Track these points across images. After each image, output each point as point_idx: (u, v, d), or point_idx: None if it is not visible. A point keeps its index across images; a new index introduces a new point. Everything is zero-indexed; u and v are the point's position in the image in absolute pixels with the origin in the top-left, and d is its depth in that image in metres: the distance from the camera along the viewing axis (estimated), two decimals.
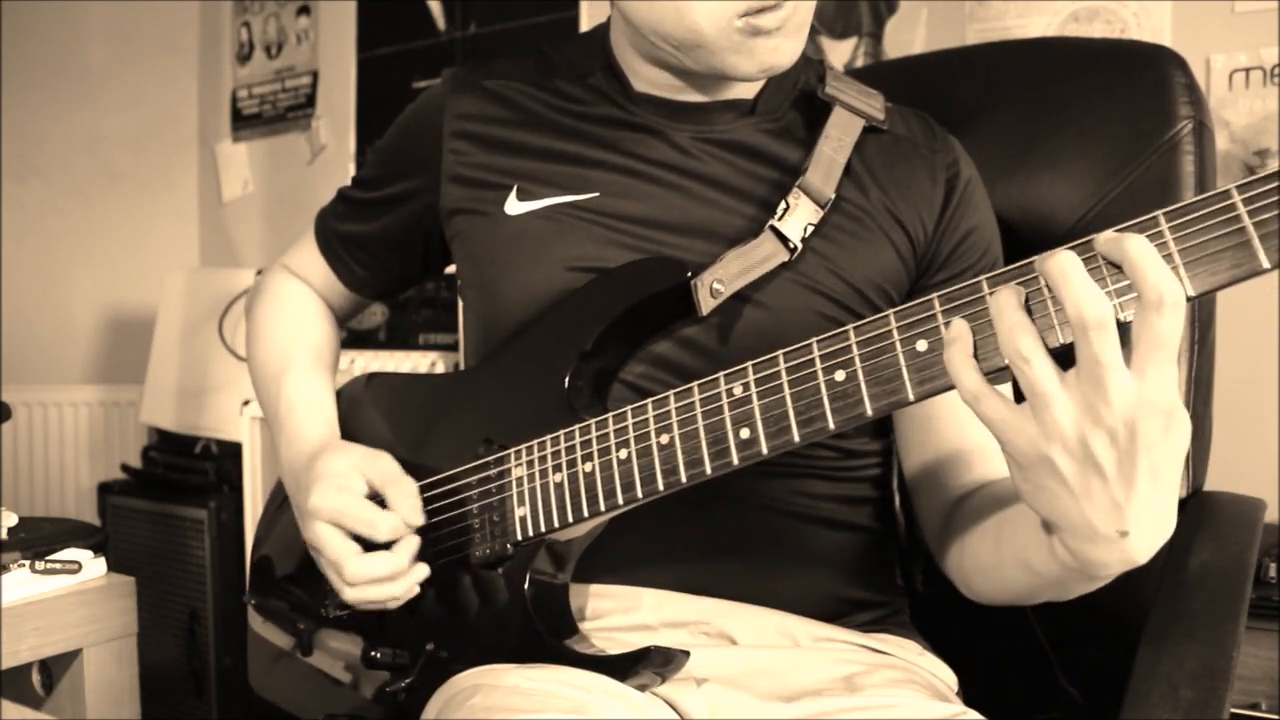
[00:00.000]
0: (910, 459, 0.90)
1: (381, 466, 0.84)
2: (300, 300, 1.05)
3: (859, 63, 2.08)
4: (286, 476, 0.93)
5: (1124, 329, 0.56)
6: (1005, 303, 0.58)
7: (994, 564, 0.76)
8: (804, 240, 0.82)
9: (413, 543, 0.82)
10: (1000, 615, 1.02)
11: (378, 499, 0.83)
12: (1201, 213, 0.56)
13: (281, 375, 0.98)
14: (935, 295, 0.63)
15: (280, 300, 1.05)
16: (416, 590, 0.83)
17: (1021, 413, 0.59)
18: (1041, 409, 0.57)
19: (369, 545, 0.82)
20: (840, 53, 2.11)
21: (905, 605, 0.95)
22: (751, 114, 0.89)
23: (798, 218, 0.82)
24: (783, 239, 0.81)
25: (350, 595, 0.83)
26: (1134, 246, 0.54)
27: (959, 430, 0.86)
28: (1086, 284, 0.55)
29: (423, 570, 0.82)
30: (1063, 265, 0.55)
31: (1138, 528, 0.59)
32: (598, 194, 0.87)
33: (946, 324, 0.62)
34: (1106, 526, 0.59)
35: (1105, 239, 0.56)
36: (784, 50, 0.80)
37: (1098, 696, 0.97)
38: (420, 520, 0.82)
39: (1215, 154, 1.02)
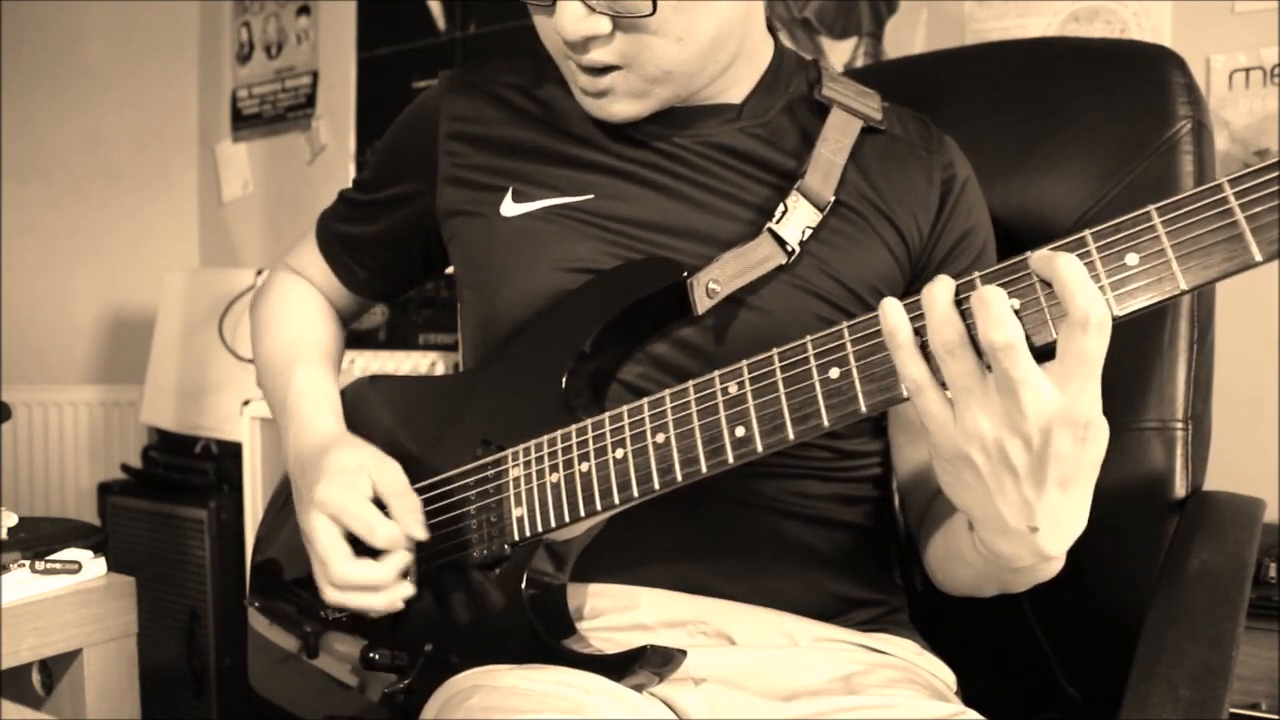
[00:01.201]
0: (900, 460, 0.91)
1: (390, 475, 0.84)
2: (306, 299, 1.06)
3: (859, 63, 2.08)
4: (292, 463, 0.92)
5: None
6: (938, 296, 0.60)
7: (945, 557, 0.81)
8: (801, 244, 0.82)
9: (403, 558, 0.82)
10: (1000, 615, 1.02)
11: (381, 505, 0.83)
12: (1194, 206, 0.56)
13: (291, 366, 0.98)
14: None
15: (287, 298, 1.06)
16: (399, 606, 0.83)
17: (948, 408, 0.61)
18: (963, 407, 0.60)
19: (361, 549, 0.82)
20: (840, 53, 2.10)
21: (904, 604, 0.95)
22: (738, 118, 0.89)
23: (796, 221, 0.82)
24: (780, 242, 0.82)
25: (330, 595, 0.83)
26: (1063, 266, 0.56)
27: None
28: (1001, 311, 0.57)
29: (407, 589, 0.82)
30: (984, 296, 0.58)
31: (1045, 525, 0.62)
32: (593, 196, 0.87)
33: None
34: (1016, 522, 0.63)
35: (1038, 257, 0.58)
36: (611, 109, 0.84)
37: (1098, 696, 0.97)
38: (422, 535, 0.82)
39: (1214, 154, 1.02)
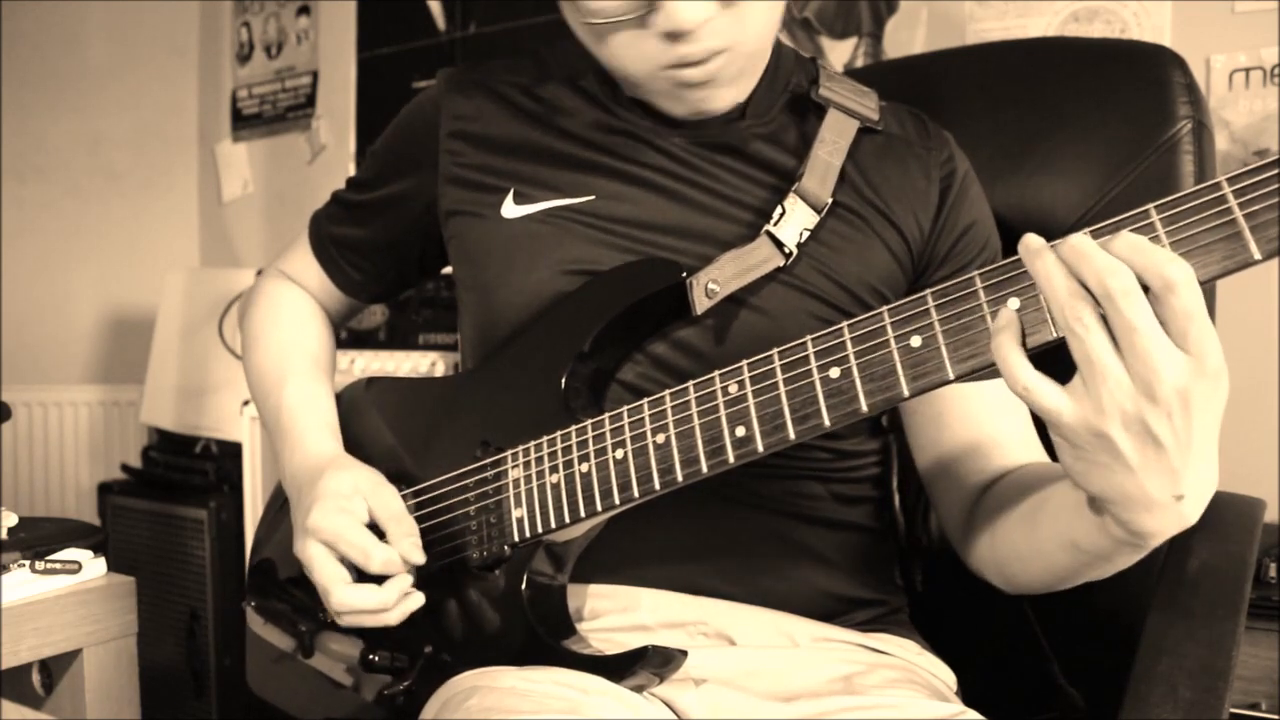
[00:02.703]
0: (924, 456, 0.90)
1: (386, 499, 0.84)
2: (296, 306, 1.05)
3: (859, 63, 2.08)
4: (289, 485, 0.92)
5: None
6: (1053, 271, 0.56)
7: (1031, 550, 0.75)
8: (799, 245, 0.82)
9: (404, 581, 0.81)
10: (1000, 615, 1.02)
11: (377, 527, 0.83)
12: (1192, 204, 0.56)
13: (280, 383, 0.97)
14: (929, 292, 0.63)
15: (276, 306, 1.05)
16: (409, 613, 0.82)
17: (1073, 394, 0.58)
18: (1098, 383, 0.56)
19: (362, 572, 0.82)
20: (840, 53, 2.10)
21: (904, 604, 0.95)
22: (741, 118, 0.88)
23: (793, 223, 0.82)
24: (778, 244, 0.81)
25: (340, 621, 0.83)
26: (1123, 246, 0.54)
27: (972, 424, 0.86)
28: (1105, 257, 0.55)
29: (416, 600, 0.82)
30: (1078, 245, 0.55)
31: (1191, 490, 0.59)
32: (594, 197, 0.87)
33: (940, 319, 0.62)
34: (1163, 494, 0.59)
35: (1081, 244, 0.56)
36: (715, 99, 0.82)
37: (1098, 696, 0.97)
38: (420, 560, 0.81)
39: (1215, 154, 1.01)
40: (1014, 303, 0.60)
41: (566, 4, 0.80)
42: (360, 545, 0.81)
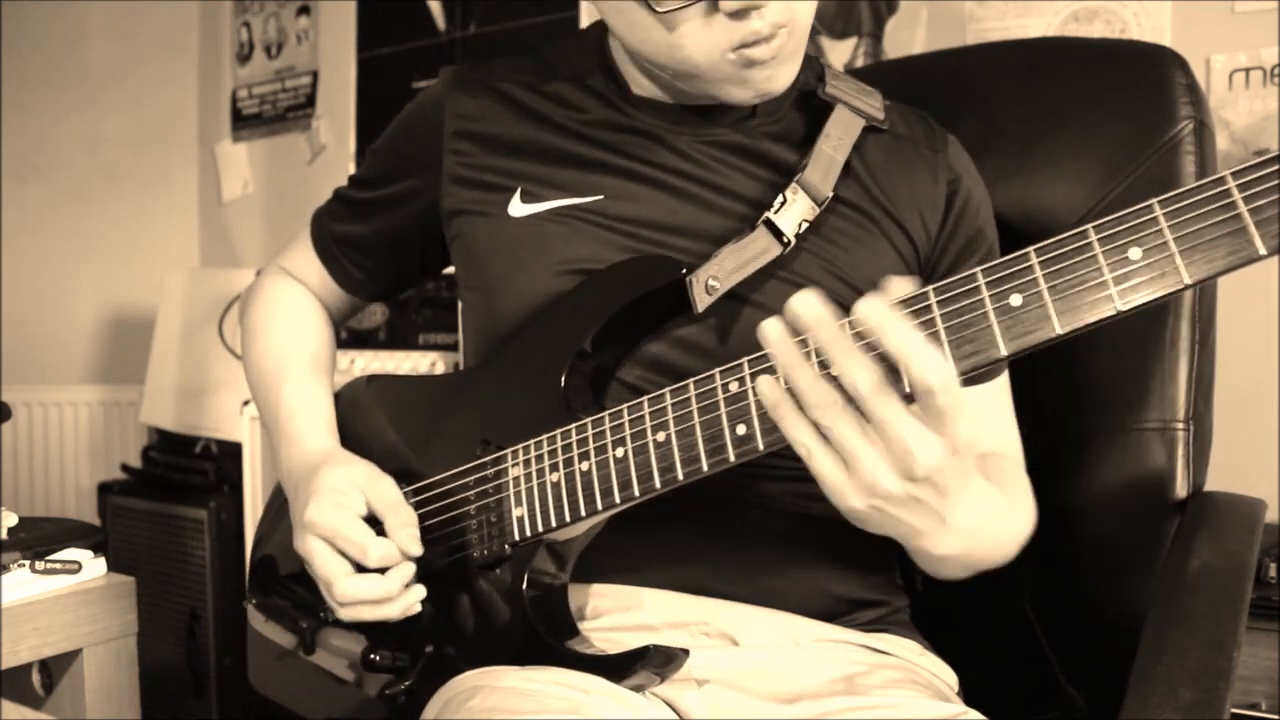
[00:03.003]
0: None
1: (382, 489, 0.84)
2: (296, 303, 1.05)
3: (859, 63, 2.08)
4: (286, 482, 0.92)
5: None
6: (769, 390, 0.63)
7: None
8: (798, 236, 0.82)
9: (406, 570, 0.81)
10: (1000, 615, 1.02)
11: (376, 520, 0.83)
12: (1196, 199, 0.56)
13: (280, 380, 0.97)
14: (930, 288, 0.63)
15: (276, 304, 1.05)
16: (417, 609, 0.82)
17: (846, 481, 0.63)
18: (858, 469, 0.62)
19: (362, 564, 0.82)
20: (840, 53, 2.10)
21: (905, 605, 0.94)
22: (752, 117, 0.88)
23: (793, 213, 0.82)
24: (777, 233, 0.81)
25: (341, 614, 0.83)
26: (891, 339, 0.59)
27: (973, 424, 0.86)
28: (853, 355, 0.60)
29: (418, 592, 0.82)
30: (828, 340, 0.61)
31: (960, 520, 0.67)
32: (602, 197, 0.86)
33: (941, 315, 0.62)
34: (926, 525, 0.66)
35: (865, 319, 0.61)
36: (779, 77, 0.81)
37: (1098, 696, 0.96)
38: (417, 551, 0.81)
39: (1216, 154, 1.01)
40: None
41: (621, 2, 0.78)
42: (357, 541, 0.81)
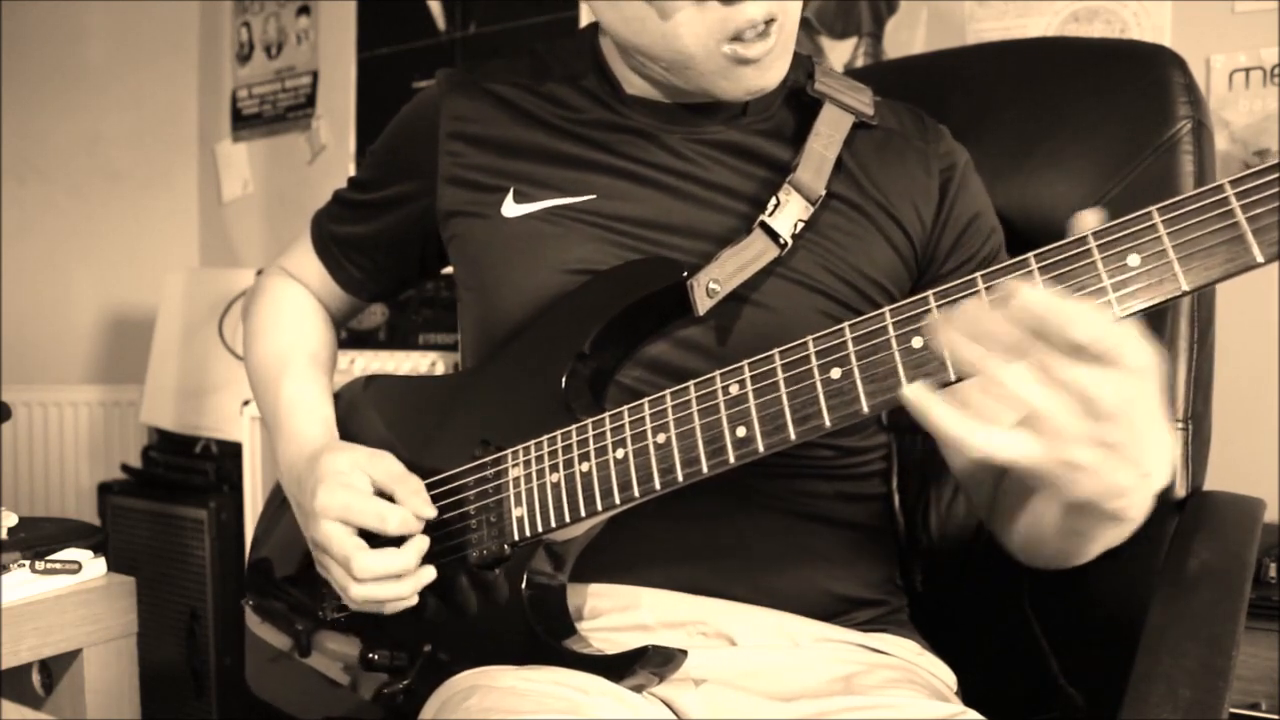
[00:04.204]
0: (955, 455, 0.89)
1: (386, 465, 0.84)
2: (297, 303, 1.05)
3: (859, 63, 2.08)
4: (286, 478, 0.92)
5: None
6: (955, 340, 0.57)
7: (1038, 537, 0.78)
8: (794, 236, 0.82)
9: (422, 542, 0.82)
10: (1000, 615, 1.02)
11: (384, 497, 0.83)
12: (1195, 207, 0.56)
13: (279, 379, 0.98)
14: (931, 292, 0.63)
15: (277, 303, 1.05)
16: (421, 586, 0.82)
17: (1030, 438, 0.58)
18: (1043, 428, 0.57)
19: (374, 544, 0.82)
20: (840, 53, 2.10)
21: (905, 605, 0.95)
22: (743, 115, 0.88)
23: (788, 214, 0.82)
24: (773, 235, 0.81)
25: (357, 592, 0.82)
26: (1022, 303, 0.55)
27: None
28: (1014, 334, 0.56)
29: (429, 573, 0.82)
30: (1023, 303, 0.56)
31: (1155, 464, 0.61)
32: (595, 196, 0.87)
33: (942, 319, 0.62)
34: (1131, 479, 0.61)
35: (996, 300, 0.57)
36: (769, 76, 0.81)
37: (1098, 696, 0.96)
38: (431, 513, 0.82)
39: (1214, 154, 1.01)
40: (917, 341, 0.60)
41: None
42: (373, 510, 0.81)
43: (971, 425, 0.58)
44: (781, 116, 0.90)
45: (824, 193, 0.83)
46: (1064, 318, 0.55)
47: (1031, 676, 1.01)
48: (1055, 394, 0.57)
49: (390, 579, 0.81)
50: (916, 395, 0.59)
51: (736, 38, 0.77)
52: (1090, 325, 0.55)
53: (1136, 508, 0.65)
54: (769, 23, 0.77)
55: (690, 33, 0.77)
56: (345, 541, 0.82)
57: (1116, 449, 0.59)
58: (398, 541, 0.82)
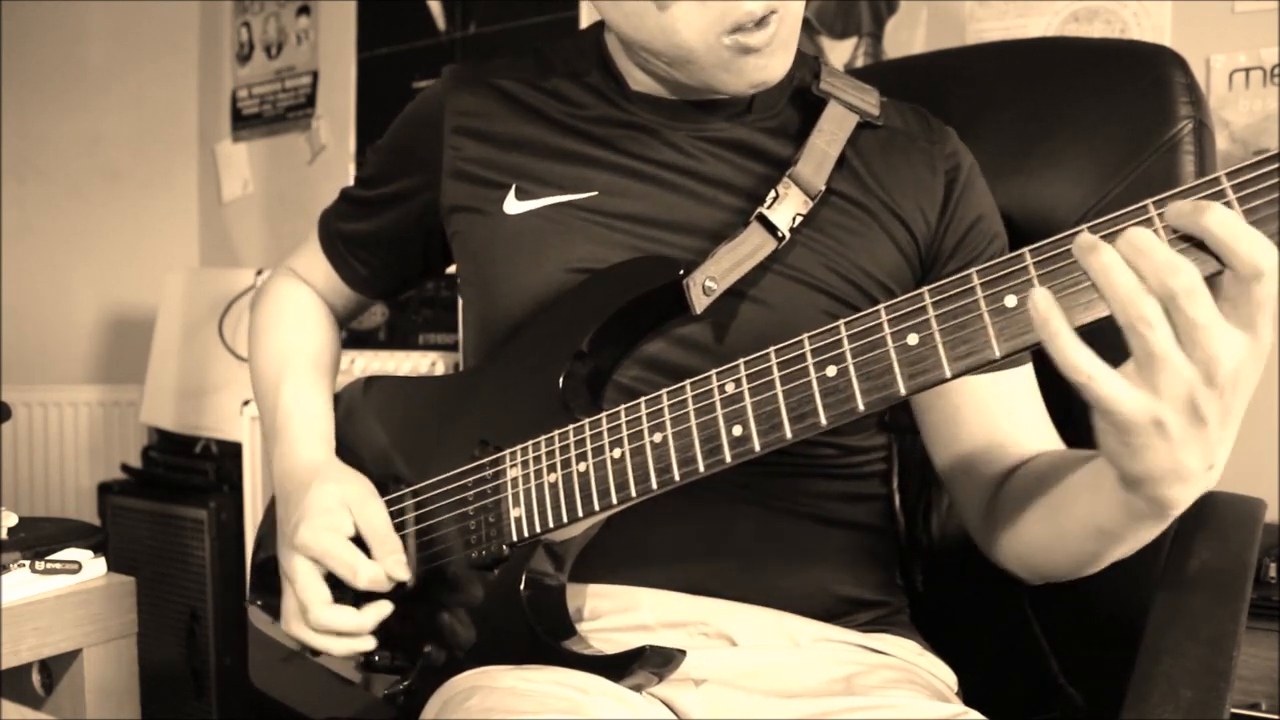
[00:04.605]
0: (943, 455, 0.89)
1: (373, 513, 0.86)
2: (301, 305, 1.05)
3: (859, 63, 2.08)
4: (277, 488, 0.93)
5: None
6: (1111, 265, 0.56)
7: (1055, 538, 0.76)
8: (792, 230, 0.82)
9: (382, 608, 0.84)
10: (1000, 615, 1.02)
11: (363, 541, 0.85)
12: (1192, 199, 0.55)
13: (279, 384, 0.98)
14: (926, 289, 0.63)
15: (281, 305, 1.06)
16: (369, 647, 0.84)
17: (1132, 382, 0.57)
18: (1157, 372, 0.56)
19: (340, 590, 0.84)
20: (840, 53, 2.10)
21: (905, 605, 0.94)
22: (748, 112, 0.88)
23: (786, 207, 0.82)
24: (771, 228, 0.81)
25: (299, 632, 0.86)
26: (1216, 221, 0.53)
27: (989, 419, 0.85)
28: (1168, 254, 0.54)
29: (368, 643, 0.84)
30: (1139, 240, 0.55)
31: (1222, 457, 0.60)
32: (597, 193, 0.86)
33: (937, 316, 0.62)
34: (1199, 465, 0.60)
35: (1178, 212, 0.55)
36: (772, 67, 0.81)
37: (1098, 696, 0.96)
38: (405, 577, 0.84)
39: (1215, 154, 1.01)
40: (1011, 300, 0.59)
41: None
42: (348, 562, 0.83)
43: (1088, 354, 0.57)
44: (786, 115, 0.90)
45: (824, 188, 0.83)
46: (1264, 263, 0.53)
47: (1031, 676, 1.01)
48: (1181, 350, 0.55)
49: (341, 636, 0.84)
50: (1044, 300, 0.57)
51: (736, 30, 0.77)
52: (1274, 285, 0.54)
53: (1185, 501, 0.63)
54: (768, 15, 0.77)
55: (689, 26, 0.77)
56: (310, 588, 0.84)
57: (1204, 426, 0.57)
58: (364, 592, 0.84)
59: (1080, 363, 0.57)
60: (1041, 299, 0.57)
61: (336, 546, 0.83)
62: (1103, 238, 0.57)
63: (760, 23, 0.77)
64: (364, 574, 0.82)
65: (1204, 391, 0.56)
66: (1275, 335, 0.58)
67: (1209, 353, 0.55)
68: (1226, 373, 0.55)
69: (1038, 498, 0.77)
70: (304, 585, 0.84)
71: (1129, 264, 0.55)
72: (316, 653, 0.92)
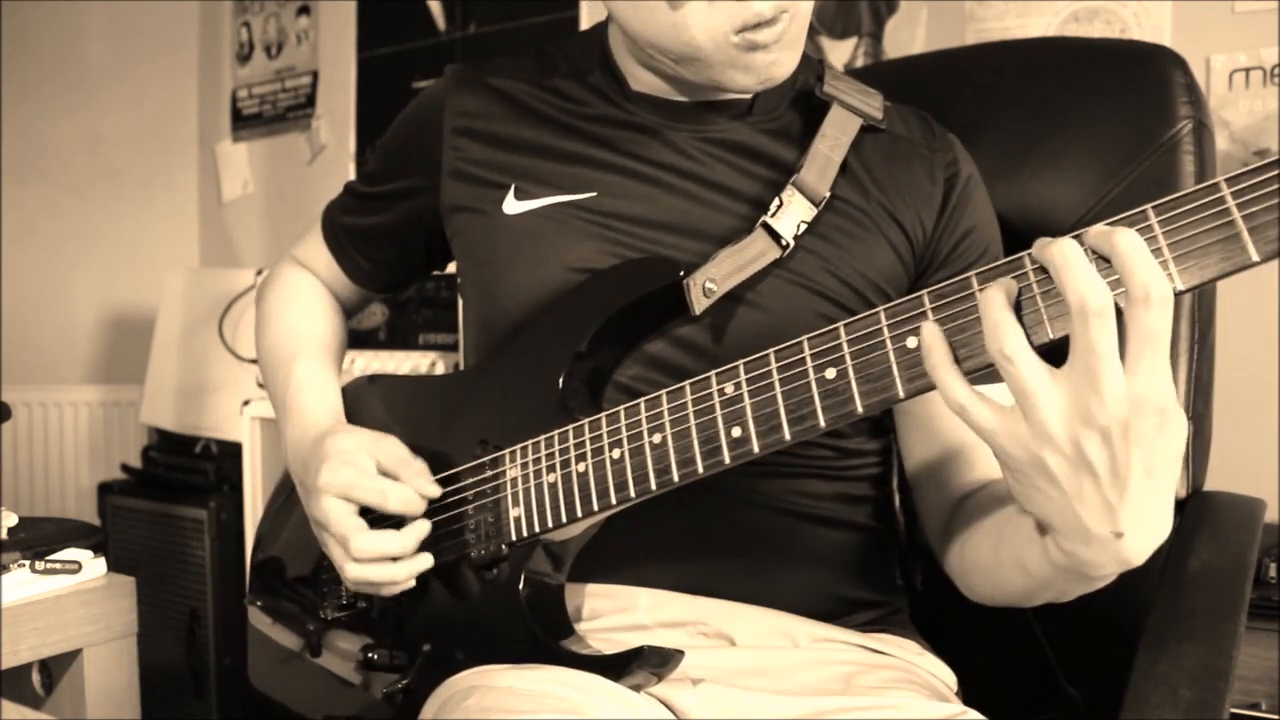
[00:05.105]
0: (912, 458, 0.90)
1: (390, 447, 0.85)
2: (310, 292, 1.06)
3: (859, 63, 2.08)
4: (292, 458, 0.93)
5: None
6: (991, 300, 0.57)
7: (993, 564, 0.75)
8: (796, 238, 0.82)
9: (422, 526, 0.82)
10: (1000, 615, 1.01)
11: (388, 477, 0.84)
12: (1190, 206, 0.55)
13: (290, 361, 0.98)
14: (925, 292, 0.63)
15: (290, 291, 1.06)
16: (414, 581, 0.82)
17: (1012, 415, 0.58)
18: (1030, 409, 0.57)
19: (375, 525, 0.82)
20: (840, 53, 2.10)
21: (905, 605, 0.95)
22: (749, 114, 0.88)
23: (791, 215, 0.82)
24: (775, 236, 0.81)
25: (352, 571, 0.82)
26: (1123, 241, 0.54)
27: (960, 429, 0.85)
28: (1088, 271, 0.54)
29: (426, 560, 0.82)
30: (1065, 252, 0.55)
31: (1132, 528, 0.58)
32: (596, 194, 0.86)
33: (936, 320, 0.62)
34: (1100, 527, 0.59)
35: (1096, 232, 0.56)
36: (781, 63, 0.81)
37: (1098, 696, 0.96)
38: (435, 491, 0.83)
39: (1215, 154, 1.01)
40: (912, 341, 0.60)
41: None
42: (376, 488, 0.82)
43: (963, 385, 0.59)
44: (788, 117, 0.89)
45: (828, 195, 0.83)
46: (1155, 291, 0.53)
47: (1031, 676, 1.01)
48: (1056, 384, 0.56)
49: (386, 561, 0.81)
50: (931, 334, 0.60)
51: (745, 29, 0.77)
52: (1164, 319, 0.54)
53: (1099, 565, 0.61)
54: (778, 15, 0.77)
55: (699, 24, 0.77)
56: (345, 520, 0.82)
57: (1093, 476, 0.57)
58: (399, 525, 0.82)
59: (954, 392, 0.59)
60: (930, 333, 0.60)
61: (361, 478, 0.82)
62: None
63: (770, 21, 0.77)
64: (394, 496, 0.81)
65: (1084, 433, 0.56)
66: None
67: (1094, 387, 0.54)
68: (1109, 416, 0.55)
69: (987, 521, 0.77)
70: (337, 519, 0.82)
71: (1053, 275, 0.56)
72: (316, 653, 0.92)
